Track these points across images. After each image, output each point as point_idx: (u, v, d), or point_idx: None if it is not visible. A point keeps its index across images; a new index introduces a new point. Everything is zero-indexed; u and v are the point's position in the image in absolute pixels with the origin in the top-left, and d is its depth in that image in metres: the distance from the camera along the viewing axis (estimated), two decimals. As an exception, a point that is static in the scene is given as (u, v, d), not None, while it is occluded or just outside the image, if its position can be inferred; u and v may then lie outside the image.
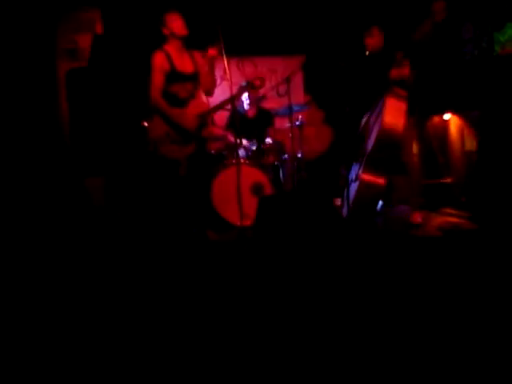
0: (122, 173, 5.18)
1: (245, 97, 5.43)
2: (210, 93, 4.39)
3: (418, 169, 4.41)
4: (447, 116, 5.00)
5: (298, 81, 6.33)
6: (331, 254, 3.31)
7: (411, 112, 4.26)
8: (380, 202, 4.44)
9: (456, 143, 4.94)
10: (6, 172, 4.72)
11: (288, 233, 3.51)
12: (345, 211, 4.19)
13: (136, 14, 5.59)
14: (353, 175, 4.28)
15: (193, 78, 4.22)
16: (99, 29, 5.58)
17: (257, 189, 4.73)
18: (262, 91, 5.47)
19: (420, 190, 4.46)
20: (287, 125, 5.10)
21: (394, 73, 4.14)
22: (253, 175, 4.76)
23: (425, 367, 1.93)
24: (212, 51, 4.07)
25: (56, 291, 3.07)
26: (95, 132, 5.22)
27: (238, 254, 3.76)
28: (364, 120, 4.39)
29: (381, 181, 4.05)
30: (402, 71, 4.13)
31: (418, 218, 4.34)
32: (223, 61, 3.99)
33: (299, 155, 5.27)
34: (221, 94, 4.69)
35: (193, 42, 4.23)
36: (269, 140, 5.18)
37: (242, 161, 4.76)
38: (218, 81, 4.52)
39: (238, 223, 4.20)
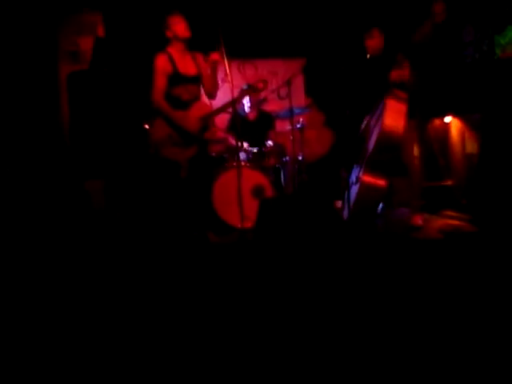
0: (122, 175, 5.18)
1: (246, 99, 5.43)
2: (212, 96, 4.40)
3: (419, 171, 4.40)
4: (448, 119, 5.00)
5: (299, 83, 6.34)
6: (332, 257, 3.31)
7: (412, 114, 4.26)
8: (380, 205, 4.44)
9: (457, 146, 4.94)
10: (6, 174, 4.73)
11: (289, 235, 3.51)
12: (345, 214, 4.19)
13: (137, 16, 5.60)
14: (353, 178, 4.28)
15: (195, 80, 4.22)
16: (101, 31, 5.60)
17: (258, 191, 4.73)
18: (262, 94, 5.47)
19: (421, 193, 4.46)
20: (288, 127, 5.10)
21: (394, 75, 4.14)
22: (254, 178, 4.76)
23: (425, 368, 1.93)
24: (215, 56, 4.07)
25: (56, 293, 3.07)
26: (96, 134, 5.23)
27: (238, 257, 3.76)
28: (364, 122, 4.39)
29: (382, 182, 4.05)
30: (402, 73, 4.13)
31: (418, 220, 4.34)
32: (224, 64, 4.00)
33: (300, 158, 5.27)
34: (222, 96, 4.69)
35: (194, 45, 4.24)
36: (270, 143, 5.19)
37: (242, 163, 4.76)
38: (220, 83, 4.51)
39: (239, 225, 4.20)
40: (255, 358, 2.10)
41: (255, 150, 5.04)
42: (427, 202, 4.64)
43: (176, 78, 4.11)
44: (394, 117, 3.97)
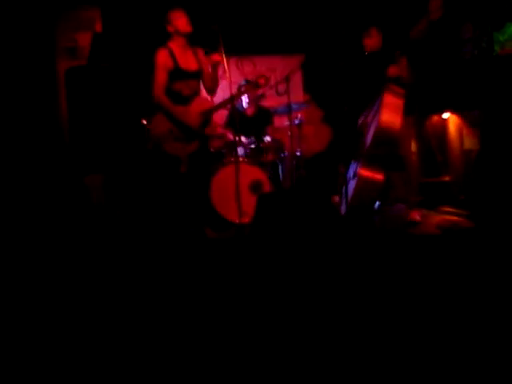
0: (121, 170, 5.18)
1: (244, 95, 5.43)
2: (212, 92, 4.39)
3: (417, 167, 4.41)
4: (446, 115, 5.01)
5: (298, 80, 6.33)
6: (329, 252, 3.31)
7: (410, 111, 4.27)
8: (377, 202, 4.44)
9: (455, 142, 4.95)
10: (5, 170, 4.73)
11: (286, 230, 3.51)
12: (343, 209, 4.20)
13: (135, 12, 5.60)
14: (351, 173, 4.29)
15: (196, 75, 4.21)
16: (99, 27, 5.59)
17: (256, 187, 4.73)
18: (260, 90, 5.47)
19: (418, 189, 4.47)
20: (286, 123, 5.11)
21: (392, 70, 4.16)
22: (252, 173, 4.76)
23: (423, 365, 1.93)
24: (216, 57, 4.07)
25: (55, 288, 3.07)
26: (94, 130, 5.23)
27: (235, 252, 3.76)
28: (362, 118, 4.40)
29: (379, 177, 4.06)
30: (399, 69, 4.14)
31: (416, 216, 4.34)
32: (223, 60, 4.00)
33: (298, 153, 5.27)
34: (220, 92, 4.69)
35: (193, 42, 4.23)
36: (268, 138, 5.19)
37: (240, 159, 4.76)
38: (219, 80, 4.51)
39: (237, 221, 4.20)
40: (252, 352, 2.10)
41: (253, 146, 5.04)
42: (425, 197, 4.65)
43: (177, 73, 4.10)
44: (391, 111, 3.97)
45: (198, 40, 4.21)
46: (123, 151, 5.19)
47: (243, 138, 5.01)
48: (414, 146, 4.47)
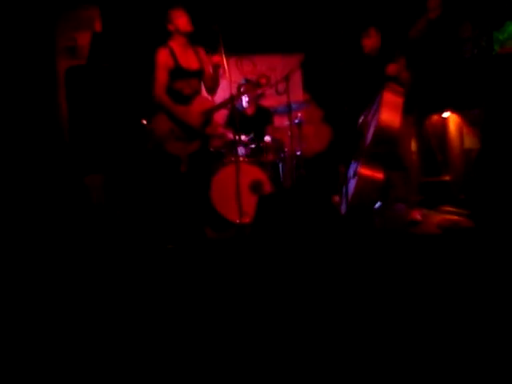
0: (121, 170, 5.18)
1: (243, 91, 5.43)
2: (212, 91, 4.38)
3: (417, 166, 4.40)
4: (446, 114, 5.00)
5: (297, 79, 6.33)
6: (330, 252, 3.31)
7: (410, 110, 4.27)
8: (378, 203, 4.43)
9: (455, 141, 4.95)
10: (5, 169, 4.72)
11: (287, 230, 3.51)
12: (343, 208, 4.20)
13: (134, 11, 5.59)
14: (351, 172, 4.29)
15: (197, 74, 4.20)
16: (98, 27, 5.59)
17: (256, 187, 4.73)
18: (260, 89, 5.47)
19: (418, 188, 4.47)
20: (286, 123, 5.10)
21: (390, 69, 4.17)
22: (252, 173, 4.76)
23: (424, 365, 1.93)
24: (216, 59, 4.07)
25: (55, 288, 3.07)
26: (94, 129, 5.22)
27: (236, 252, 3.76)
28: (362, 118, 4.40)
29: (379, 175, 4.06)
30: (398, 67, 4.15)
31: (417, 215, 4.34)
32: (223, 59, 4.00)
33: (298, 153, 5.27)
34: (220, 91, 4.68)
35: (192, 41, 4.23)
36: (268, 138, 5.19)
37: (241, 158, 4.76)
38: (219, 80, 4.51)
39: (237, 221, 4.20)
40: (253, 352, 2.10)
41: (253, 146, 5.04)
42: (425, 197, 4.65)
43: (178, 72, 4.09)
44: (390, 109, 3.98)
45: (198, 39, 4.21)
46: (123, 151, 5.19)
47: (243, 137, 5.01)
48: (413, 146, 4.47)
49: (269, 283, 2.94)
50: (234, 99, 4.27)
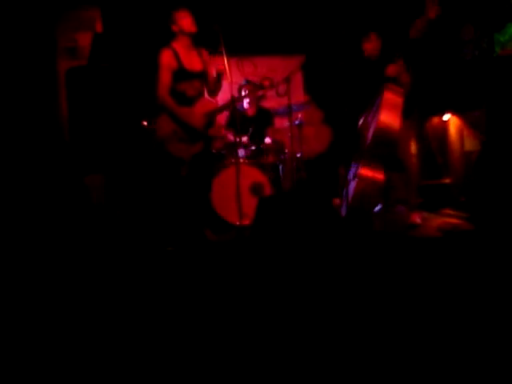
0: (121, 171, 5.18)
1: (244, 95, 5.44)
2: (214, 93, 4.37)
3: (417, 169, 4.41)
4: (446, 116, 4.99)
5: (298, 81, 6.32)
6: (330, 254, 3.31)
7: (410, 112, 4.27)
8: (379, 205, 4.43)
9: (455, 144, 4.93)
10: (5, 170, 4.72)
11: (287, 232, 3.51)
12: (343, 210, 4.20)
13: (135, 12, 5.59)
14: (351, 174, 4.28)
15: (201, 75, 4.20)
16: (99, 27, 5.58)
17: (256, 188, 4.73)
18: (262, 90, 5.48)
19: (418, 191, 4.47)
20: (287, 124, 5.10)
21: (390, 70, 4.17)
22: (252, 175, 4.76)
23: (424, 367, 1.93)
24: (221, 67, 4.08)
25: (55, 288, 3.07)
26: (95, 130, 5.22)
27: (236, 254, 3.76)
28: (362, 120, 4.39)
29: (379, 176, 4.05)
30: (397, 68, 4.15)
31: (417, 218, 4.34)
32: (223, 61, 4.00)
33: (298, 155, 5.27)
34: (221, 92, 4.68)
35: (194, 41, 4.23)
36: (268, 140, 5.18)
37: (241, 160, 4.76)
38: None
39: (237, 223, 4.20)
40: (252, 354, 2.10)
41: (254, 147, 5.04)
42: (425, 200, 4.65)
43: (181, 74, 4.08)
44: (390, 110, 3.98)
45: (199, 40, 4.20)
46: (123, 152, 5.19)
47: (244, 139, 5.01)
48: (414, 148, 4.47)
49: (269, 285, 2.94)
50: (236, 101, 4.26)
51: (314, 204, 3.75)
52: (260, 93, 5.42)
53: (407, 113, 4.18)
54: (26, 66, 5.06)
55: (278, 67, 6.41)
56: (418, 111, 4.50)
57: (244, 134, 5.06)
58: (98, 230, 4.53)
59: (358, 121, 4.45)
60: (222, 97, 4.67)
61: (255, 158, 4.97)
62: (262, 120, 5.47)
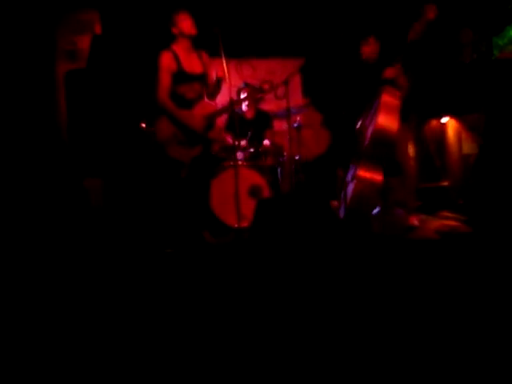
0: (120, 174, 5.18)
1: (243, 98, 5.44)
2: (213, 96, 4.38)
3: (415, 172, 4.41)
4: (445, 119, 5.01)
5: (297, 83, 6.34)
6: (328, 257, 3.32)
7: (408, 115, 4.28)
8: (377, 208, 4.44)
9: (453, 146, 4.95)
10: (4, 172, 4.73)
11: (285, 235, 3.52)
12: (342, 212, 4.20)
13: (134, 15, 5.60)
14: (349, 177, 4.29)
15: (200, 78, 4.21)
16: (98, 30, 5.59)
17: (255, 191, 4.74)
18: (261, 93, 5.48)
19: (416, 194, 4.47)
20: (285, 127, 5.11)
21: (388, 72, 4.18)
22: (251, 177, 4.76)
23: (422, 369, 1.94)
24: (220, 73, 4.09)
25: (54, 290, 3.07)
26: (94, 133, 5.23)
27: (234, 256, 3.76)
28: (360, 122, 4.40)
29: (378, 177, 4.05)
30: (395, 71, 4.16)
31: (414, 221, 4.35)
32: (222, 64, 4.00)
33: (297, 157, 5.27)
34: (220, 95, 4.69)
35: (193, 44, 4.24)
36: (267, 142, 5.19)
37: (240, 163, 4.76)
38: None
39: (236, 225, 4.20)
40: (251, 357, 2.11)
41: (252, 150, 5.04)
42: (424, 202, 4.65)
43: (181, 76, 4.09)
44: (388, 112, 3.98)
45: (198, 42, 4.21)
46: (122, 154, 5.19)
47: (243, 142, 5.01)
48: (412, 151, 4.49)
49: (267, 287, 2.94)
50: (235, 104, 4.27)
51: (312, 206, 3.76)
52: (258, 95, 5.42)
53: (405, 116, 4.18)
54: (25, 68, 5.07)
55: (277, 70, 6.41)
56: (417, 114, 4.51)
57: (243, 136, 5.06)
58: (96, 233, 4.53)
59: (356, 123, 4.46)
60: (221, 100, 4.68)
61: (254, 161, 4.98)
62: (260, 123, 5.48)
